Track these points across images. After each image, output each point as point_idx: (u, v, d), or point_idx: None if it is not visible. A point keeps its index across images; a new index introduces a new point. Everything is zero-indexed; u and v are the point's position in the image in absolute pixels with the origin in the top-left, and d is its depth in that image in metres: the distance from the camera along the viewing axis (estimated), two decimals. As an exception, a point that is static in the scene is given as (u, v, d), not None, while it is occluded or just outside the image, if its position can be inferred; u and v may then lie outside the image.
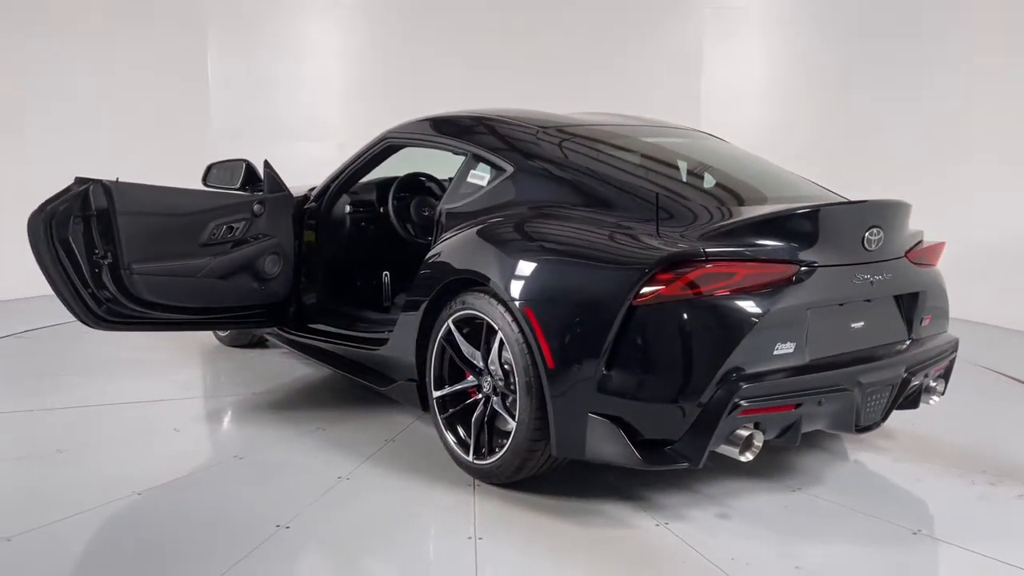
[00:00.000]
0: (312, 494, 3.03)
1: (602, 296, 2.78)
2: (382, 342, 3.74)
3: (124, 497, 2.98)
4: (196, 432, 3.73)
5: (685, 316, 2.68)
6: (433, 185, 4.63)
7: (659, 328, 2.70)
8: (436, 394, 3.35)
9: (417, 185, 4.58)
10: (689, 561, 2.63)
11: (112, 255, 3.53)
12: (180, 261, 3.75)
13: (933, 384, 3.22)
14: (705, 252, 2.71)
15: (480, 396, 3.21)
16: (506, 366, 3.10)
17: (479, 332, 3.22)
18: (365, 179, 4.43)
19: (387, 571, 2.61)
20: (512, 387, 3.05)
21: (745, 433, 2.72)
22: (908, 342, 3.13)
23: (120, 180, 3.53)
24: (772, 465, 3.32)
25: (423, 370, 3.45)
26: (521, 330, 2.94)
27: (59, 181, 3.53)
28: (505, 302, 3.01)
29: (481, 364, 3.18)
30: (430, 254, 3.47)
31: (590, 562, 2.63)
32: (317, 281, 4.32)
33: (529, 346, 2.91)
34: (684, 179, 3.18)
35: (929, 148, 6.53)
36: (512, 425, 3.00)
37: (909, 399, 3.13)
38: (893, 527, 2.87)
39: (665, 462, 2.74)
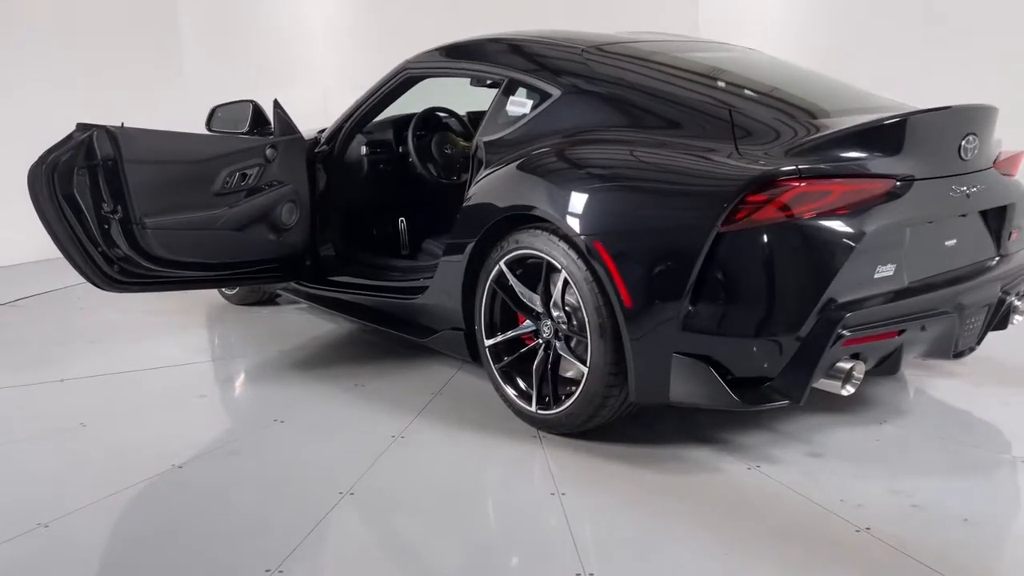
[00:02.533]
0: (368, 456, 2.79)
1: (685, 224, 2.54)
2: (419, 290, 3.48)
3: (164, 472, 2.72)
4: (225, 397, 3.46)
5: (780, 241, 2.44)
6: (453, 121, 4.32)
7: (751, 256, 2.46)
8: (488, 343, 3.10)
9: (435, 121, 4.27)
10: (796, 505, 2.43)
11: (122, 209, 3.21)
12: (195, 213, 3.45)
13: (1018, 303, 3.03)
14: (799, 169, 2.46)
15: (539, 342, 2.97)
16: (568, 308, 2.86)
17: (535, 273, 2.97)
18: (378, 118, 4.12)
19: (474, 537, 2.38)
20: (579, 330, 2.82)
21: (847, 365, 2.50)
22: (997, 259, 2.93)
23: (125, 125, 3.20)
24: (843, 398, 3.12)
25: (471, 318, 3.20)
26: (590, 267, 2.69)
27: (25, 136, 3.18)
28: (569, 238, 2.75)
29: (539, 307, 2.93)
30: (471, 192, 3.19)
31: (691, 512, 2.42)
32: (334, 230, 4.03)
33: (600, 284, 2.67)
34: (752, 94, 2.92)
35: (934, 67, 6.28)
36: (582, 371, 2.77)
37: (1000, 320, 2.93)
38: (994, 455, 2.70)
39: (763, 401, 2.52)
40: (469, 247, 3.12)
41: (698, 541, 2.28)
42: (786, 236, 2.44)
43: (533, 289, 2.96)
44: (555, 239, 2.80)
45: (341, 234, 4.05)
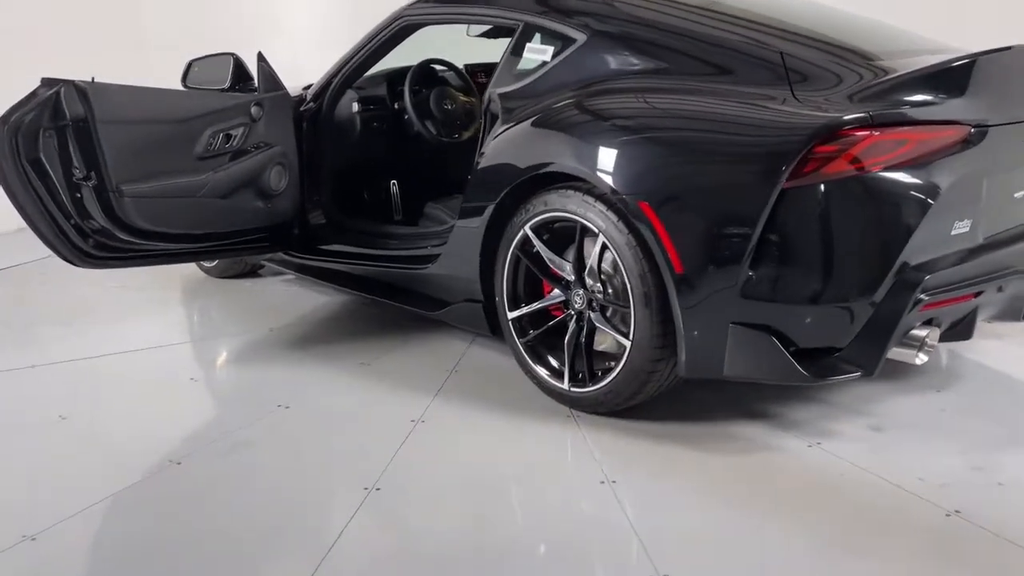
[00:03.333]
0: (389, 445, 2.52)
1: (745, 181, 2.28)
2: (428, 259, 3.19)
3: (161, 470, 2.43)
4: (219, 381, 3.15)
5: (852, 197, 2.20)
6: (451, 74, 4.00)
7: (820, 215, 2.21)
8: (511, 315, 2.84)
9: (432, 75, 3.94)
10: (872, 487, 2.22)
11: (96, 175, 2.87)
12: (177, 179, 3.10)
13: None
14: (872, 116, 2.21)
15: (569, 313, 2.71)
16: (604, 276, 2.60)
17: (564, 238, 2.70)
18: (370, 72, 3.79)
19: (527, 537, 2.13)
20: (618, 299, 2.57)
21: (922, 332, 2.29)
22: (1061, 213, 2.72)
23: (96, 80, 2.84)
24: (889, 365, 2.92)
25: (490, 288, 2.93)
26: (633, 230, 2.43)
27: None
28: (608, 199, 2.48)
29: (570, 275, 2.67)
30: (486, 150, 2.89)
31: (760, 499, 2.20)
32: (325, 195, 3.71)
33: (646, 249, 2.41)
34: (801, 36, 2.65)
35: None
36: (623, 344, 2.52)
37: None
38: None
39: (832, 374, 2.29)
40: (488, 211, 2.83)
41: (777, 533, 2.06)
42: (859, 191, 2.20)
43: (562, 255, 2.70)
44: (590, 200, 2.52)
45: (333, 199, 3.73)
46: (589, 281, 2.62)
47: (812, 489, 2.24)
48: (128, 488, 2.32)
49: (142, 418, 2.80)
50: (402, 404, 2.81)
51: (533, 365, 2.80)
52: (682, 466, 2.37)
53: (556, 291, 2.75)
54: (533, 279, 2.84)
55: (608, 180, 2.45)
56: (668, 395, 2.64)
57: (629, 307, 2.47)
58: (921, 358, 2.30)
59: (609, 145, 2.49)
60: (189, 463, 2.46)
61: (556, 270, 2.72)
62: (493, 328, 3.01)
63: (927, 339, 2.29)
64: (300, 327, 3.66)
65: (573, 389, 2.68)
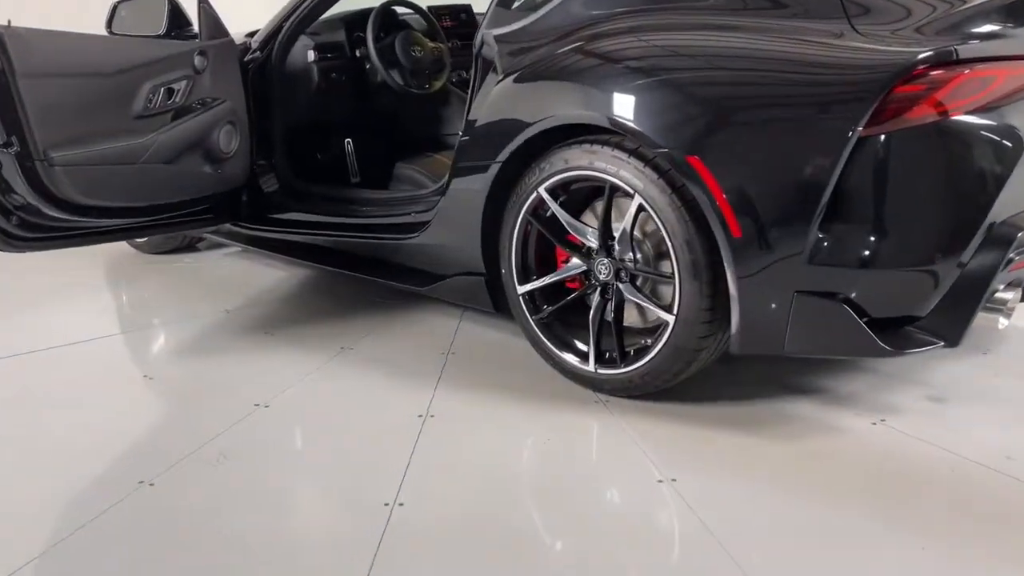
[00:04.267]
0: (400, 449, 2.16)
1: (814, 128, 1.98)
2: (413, 228, 2.82)
3: (130, 493, 2.01)
4: (179, 378, 2.71)
5: (938, 144, 1.93)
6: (415, 17, 3.58)
7: (901, 166, 1.94)
8: (521, 290, 2.50)
9: (394, 19, 3.51)
10: (959, 469, 2.00)
11: (19, 141, 2.38)
12: (114, 142, 2.63)
13: None
14: (956, 51, 1.93)
15: (591, 284, 2.39)
16: (636, 242, 2.29)
17: (581, 201, 2.39)
18: (324, 17, 3.34)
19: (595, 551, 1.82)
20: (653, 267, 2.26)
21: (1008, 295, 2.05)
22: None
23: (13, 25, 2.34)
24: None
25: (494, 259, 2.58)
26: (678, 190, 2.11)
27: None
28: (644, 154, 2.16)
29: (594, 242, 2.34)
30: (487, 101, 2.52)
31: (844, 491, 1.94)
32: (277, 157, 3.27)
33: (693, 211, 2.10)
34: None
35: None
36: (663, 319, 2.21)
37: None
38: None
39: (912, 346, 2.03)
40: (491, 172, 2.47)
41: (875, 530, 1.80)
42: (945, 137, 1.93)
43: (579, 219, 2.37)
44: (623, 155, 2.19)
45: (287, 162, 3.30)
46: (618, 248, 2.30)
47: (895, 475, 2.00)
48: (91, 524, 1.90)
49: (96, 430, 2.35)
50: (401, 397, 2.45)
51: (550, 346, 2.48)
52: (743, 456, 2.09)
53: (575, 260, 2.42)
54: (546, 248, 2.51)
55: (648, 132, 2.12)
56: (697, 372, 2.36)
57: (673, 278, 2.17)
58: (1003, 323, 2.07)
59: (647, 91, 2.15)
60: (164, 484, 2.05)
61: (576, 236, 2.39)
62: (497, 304, 2.66)
63: (1008, 302, 2.06)
64: (261, 308, 3.23)
65: (601, 371, 2.37)
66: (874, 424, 2.20)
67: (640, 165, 2.16)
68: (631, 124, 2.14)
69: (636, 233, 2.29)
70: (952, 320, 2.01)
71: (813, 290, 2.02)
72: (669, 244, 2.15)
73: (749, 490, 1.96)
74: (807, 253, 1.98)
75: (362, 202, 3.13)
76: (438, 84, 3.46)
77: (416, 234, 2.78)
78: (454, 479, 2.04)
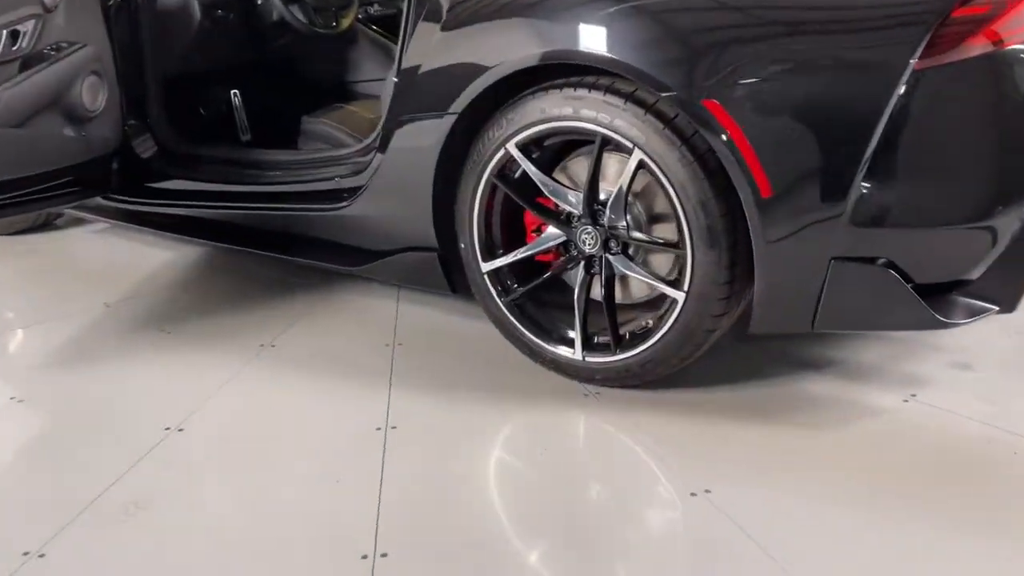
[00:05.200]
0: (366, 477, 1.74)
1: (859, 62, 1.64)
2: (339, 196, 2.35)
3: (14, 568, 1.51)
4: (53, 396, 2.15)
5: (1003, 78, 1.63)
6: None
7: (960, 104, 1.64)
8: (487, 267, 2.09)
9: (286, -55, 2.96)
10: (1004, 445, 1.76)
11: None
12: (-54, 103, 2.03)
13: None
14: (1018, -29, 1.63)
15: (572, 256, 2.01)
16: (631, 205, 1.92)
17: (552, 158, 2.00)
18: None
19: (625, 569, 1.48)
20: (660, 237, 1.91)
21: (1060, 252, 1.81)
22: None
23: None
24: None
25: (449, 231, 2.16)
26: (688, 142, 1.75)
27: None
28: (645, 100, 1.78)
29: (578, 207, 1.96)
30: (431, 42, 2.06)
31: (879, 474, 1.67)
32: (154, 114, 2.71)
33: (708, 167, 1.74)
34: None
35: None
36: (674, 296, 1.86)
37: None
38: None
39: (966, 314, 1.76)
40: (445, 125, 2.03)
41: (933, 522, 1.54)
42: (1010, 69, 1.64)
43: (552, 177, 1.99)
44: (617, 101, 1.80)
45: (166, 119, 2.74)
46: (609, 214, 1.92)
47: (939, 456, 1.75)
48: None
49: (-49, 479, 1.81)
50: (350, 406, 2.02)
51: (526, 332, 2.09)
52: (770, 451, 1.78)
53: (552, 229, 2.03)
54: (513, 216, 2.11)
55: (651, 70, 1.74)
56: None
57: (683, 247, 1.81)
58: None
59: (649, 19, 1.76)
60: (57, 553, 1.56)
61: (554, 200, 2.00)
62: (454, 285, 2.25)
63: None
64: (149, 299, 2.68)
65: (590, 359, 2.01)
66: (905, 401, 1.95)
67: (640, 112, 1.78)
68: (629, 61, 1.75)
69: (644, 196, 1.93)
70: (1005, 282, 1.75)
71: (853, 255, 1.71)
72: (679, 207, 1.79)
73: (788, 490, 1.66)
74: (848, 212, 1.67)
75: (267, 166, 2.61)
76: (346, 22, 2.97)
77: (345, 203, 2.31)
78: (442, 517, 1.64)
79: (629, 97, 1.79)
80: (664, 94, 1.73)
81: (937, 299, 1.75)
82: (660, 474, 1.74)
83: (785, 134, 1.68)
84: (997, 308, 1.76)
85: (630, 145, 1.81)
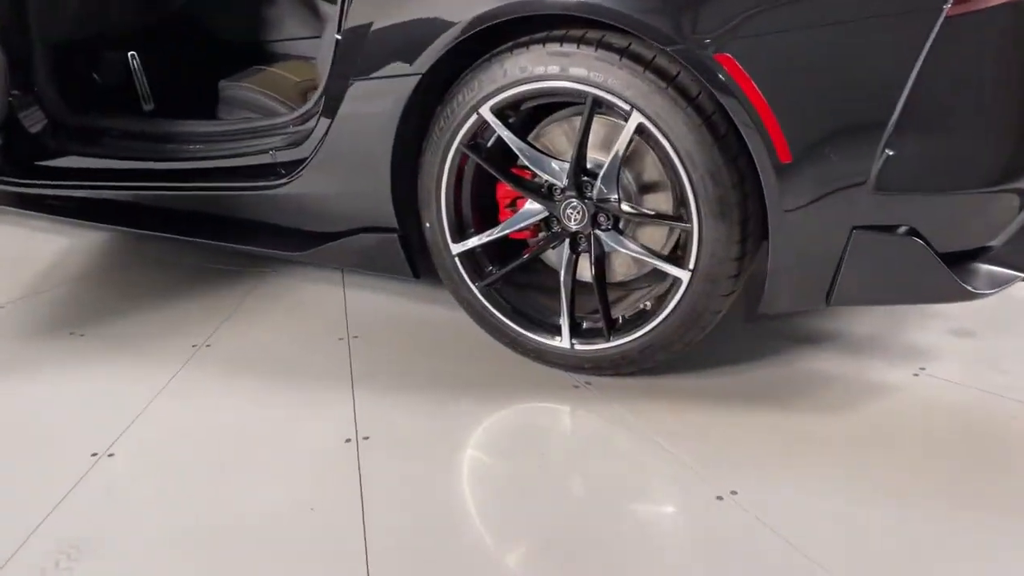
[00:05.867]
0: (345, 504, 1.50)
1: (886, 11, 1.47)
2: (276, 171, 2.06)
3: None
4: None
5: (1037, 25, 1.50)
6: None
7: (992, 54, 1.49)
8: (457, 248, 1.86)
9: None
10: (1021, 420, 1.67)
11: None
12: None
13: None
14: None
15: (557, 234, 1.80)
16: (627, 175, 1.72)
17: (525, 123, 1.78)
18: None
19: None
20: (660, 209, 1.72)
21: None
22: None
23: None
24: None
25: (410, 209, 1.91)
26: (694, 102, 1.55)
27: None
28: (638, 53, 1.57)
29: (563, 179, 1.74)
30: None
31: (907, 461, 1.55)
32: (43, 83, 2.35)
33: (717, 131, 1.55)
34: None
35: None
36: (677, 276, 1.68)
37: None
38: None
39: (993, 283, 1.63)
40: (407, 88, 1.77)
41: (970, 507, 1.43)
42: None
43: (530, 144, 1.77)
44: (612, 56, 1.58)
45: (56, 89, 2.38)
46: (600, 187, 1.71)
47: (964, 435, 1.65)
48: None
49: None
50: (311, 413, 1.76)
51: (504, 319, 1.87)
52: (787, 440, 1.63)
53: (531, 204, 1.81)
54: (484, 190, 1.88)
55: (656, 22, 1.52)
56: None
57: (689, 221, 1.63)
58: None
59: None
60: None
61: (534, 171, 1.77)
62: (417, 269, 2.00)
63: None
64: (53, 296, 2.31)
65: (580, 347, 1.81)
66: (915, 375, 1.83)
67: (638, 69, 1.57)
68: (629, 11, 1.53)
69: (644, 165, 1.73)
70: (1030, 247, 1.64)
71: (875, 224, 1.56)
72: (684, 177, 1.59)
73: (815, 486, 1.52)
74: (874, 177, 1.51)
75: (184, 138, 2.28)
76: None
77: (284, 180, 2.02)
78: (439, 545, 1.42)
79: (624, 52, 1.58)
80: (669, 48, 1.52)
81: (958, 268, 1.62)
82: (680, 476, 1.56)
83: (806, 92, 1.51)
84: (1023, 275, 1.65)
85: (627, 107, 1.60)
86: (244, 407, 1.79)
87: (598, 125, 1.73)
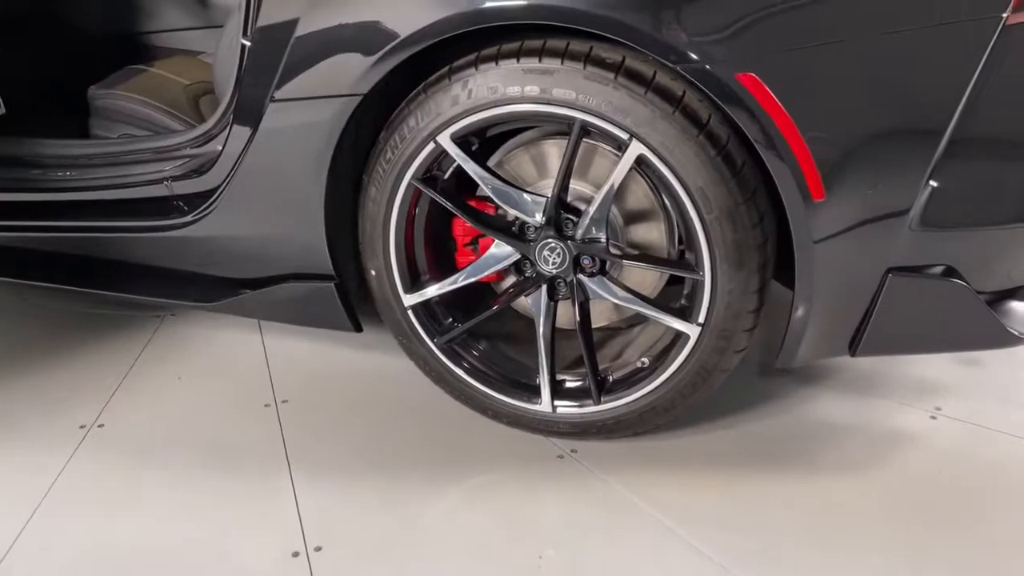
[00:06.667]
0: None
1: (937, 19, 1.23)
2: (177, 207, 1.68)
3: None
4: None
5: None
6: None
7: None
8: (410, 300, 1.55)
9: None
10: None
11: None
12: None
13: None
14: None
15: (530, 278, 1.52)
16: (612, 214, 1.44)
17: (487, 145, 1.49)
18: None
19: None
20: (661, 254, 1.46)
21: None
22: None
23: None
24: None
25: (349, 253, 1.59)
26: (708, 130, 1.29)
27: None
28: (635, 71, 1.28)
29: (538, 217, 1.45)
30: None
31: (939, 515, 1.36)
32: None
33: (733, 164, 1.29)
34: None
35: None
36: (685, 331, 1.42)
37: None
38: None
39: (1030, 327, 1.45)
40: (343, 112, 1.42)
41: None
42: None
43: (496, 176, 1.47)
44: (605, 75, 1.29)
45: None
46: (588, 226, 1.42)
47: (990, 484, 1.47)
48: None
49: None
50: (246, 518, 1.43)
51: (472, 381, 1.58)
52: (817, 510, 1.41)
53: (500, 246, 1.51)
54: (439, 228, 1.56)
55: (665, 35, 1.24)
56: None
57: (700, 268, 1.36)
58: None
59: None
60: None
61: (506, 209, 1.47)
62: (359, 321, 1.67)
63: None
64: None
65: (564, 410, 1.54)
66: (933, 418, 1.64)
67: (639, 91, 1.29)
68: (633, 23, 1.24)
69: (637, 199, 1.46)
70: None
71: (913, 264, 1.35)
72: (696, 218, 1.32)
73: (856, 566, 1.30)
74: (916, 212, 1.29)
75: (47, 162, 1.84)
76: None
77: (188, 218, 1.65)
78: None
79: (619, 69, 1.29)
80: (680, 66, 1.24)
81: (997, 311, 1.43)
82: (705, 571, 1.31)
83: (842, 116, 1.25)
84: (1060, 313, 1.47)
85: (624, 136, 1.31)
86: (155, 514, 1.44)
87: (597, 161, 1.45)
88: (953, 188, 1.28)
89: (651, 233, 1.50)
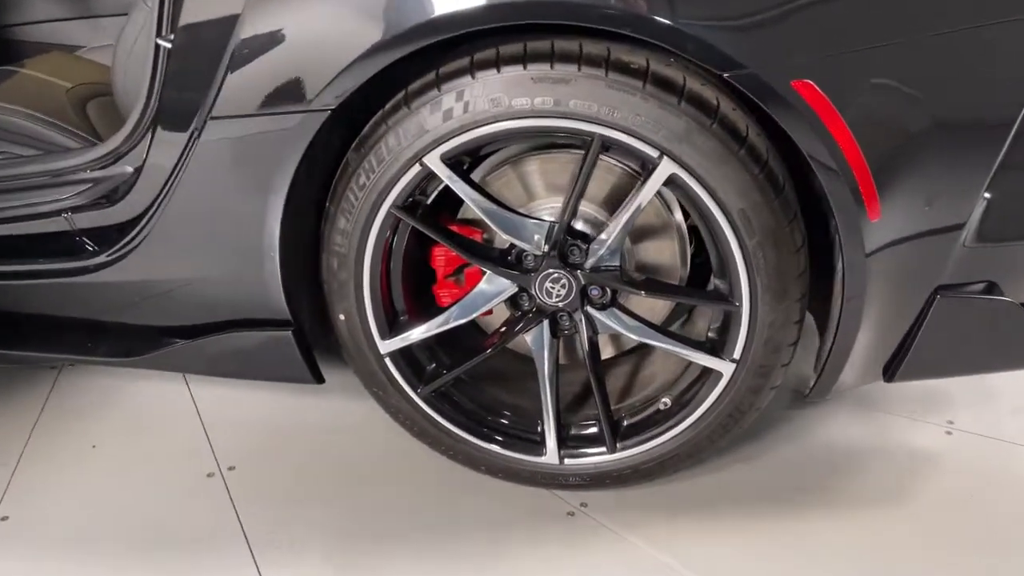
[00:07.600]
0: None
1: (1004, 13, 1.09)
2: (82, 246, 1.38)
3: None
4: None
5: None
6: None
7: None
8: (388, 346, 1.31)
9: None
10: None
11: None
12: None
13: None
14: None
15: (529, 312, 1.31)
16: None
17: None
18: None
19: None
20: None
21: None
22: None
23: None
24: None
25: (310, 296, 1.33)
26: (745, 142, 1.11)
27: None
28: (666, 79, 1.09)
29: (539, 246, 1.25)
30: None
31: (967, 536, 1.27)
32: None
33: (776, 184, 1.13)
34: None
35: None
36: (718, 369, 1.25)
37: None
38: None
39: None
40: (306, 130, 1.16)
41: None
42: None
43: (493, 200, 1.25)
44: (633, 84, 1.09)
45: None
46: (604, 253, 1.23)
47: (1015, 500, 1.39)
48: None
49: None
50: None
51: (462, 434, 1.36)
52: (851, 546, 1.28)
53: (492, 279, 1.29)
54: (417, 259, 1.33)
55: (711, 39, 1.04)
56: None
57: (736, 299, 1.19)
58: None
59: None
60: None
61: (503, 233, 1.25)
62: (319, 372, 1.41)
63: None
64: None
65: (571, 461, 1.35)
66: (948, 433, 1.55)
67: (671, 100, 1.09)
68: (675, 24, 1.04)
69: (653, 224, 1.28)
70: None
71: (963, 281, 1.22)
72: (735, 244, 1.15)
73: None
74: (971, 226, 1.16)
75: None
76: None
77: (101, 259, 1.34)
78: None
79: (647, 76, 1.09)
80: (727, 73, 1.05)
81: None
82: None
83: (902, 125, 1.10)
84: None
85: (653, 153, 1.12)
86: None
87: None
88: (1007, 199, 1.17)
89: (662, 254, 1.33)
